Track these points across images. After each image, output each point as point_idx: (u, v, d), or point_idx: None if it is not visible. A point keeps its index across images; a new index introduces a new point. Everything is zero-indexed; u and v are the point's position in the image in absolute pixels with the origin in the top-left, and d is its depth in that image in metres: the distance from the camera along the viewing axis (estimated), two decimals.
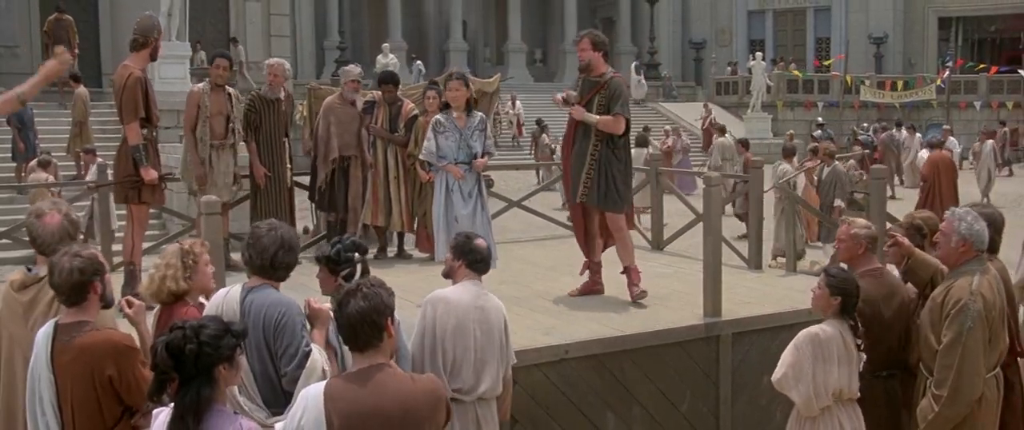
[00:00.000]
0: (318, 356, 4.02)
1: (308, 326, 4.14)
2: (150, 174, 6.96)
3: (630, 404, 6.34)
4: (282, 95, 8.74)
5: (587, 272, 7.42)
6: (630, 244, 7.35)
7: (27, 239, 9.20)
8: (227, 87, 8.40)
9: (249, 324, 3.91)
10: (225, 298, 4.11)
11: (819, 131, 25.88)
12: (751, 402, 6.78)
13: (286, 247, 4.11)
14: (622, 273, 7.31)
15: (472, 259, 4.62)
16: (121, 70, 7.06)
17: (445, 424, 3.37)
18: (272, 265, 4.11)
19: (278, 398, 4.01)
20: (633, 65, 37.68)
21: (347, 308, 3.23)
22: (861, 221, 5.48)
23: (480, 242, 4.69)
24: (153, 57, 7.14)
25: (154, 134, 7.22)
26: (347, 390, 3.20)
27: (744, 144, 16.98)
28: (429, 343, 4.43)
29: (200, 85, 8.47)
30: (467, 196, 7.24)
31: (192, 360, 3.12)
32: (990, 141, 21.08)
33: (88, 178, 13.50)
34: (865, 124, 29.64)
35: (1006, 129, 29.50)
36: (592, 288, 7.38)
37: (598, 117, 6.96)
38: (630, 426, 6.34)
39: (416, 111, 8.87)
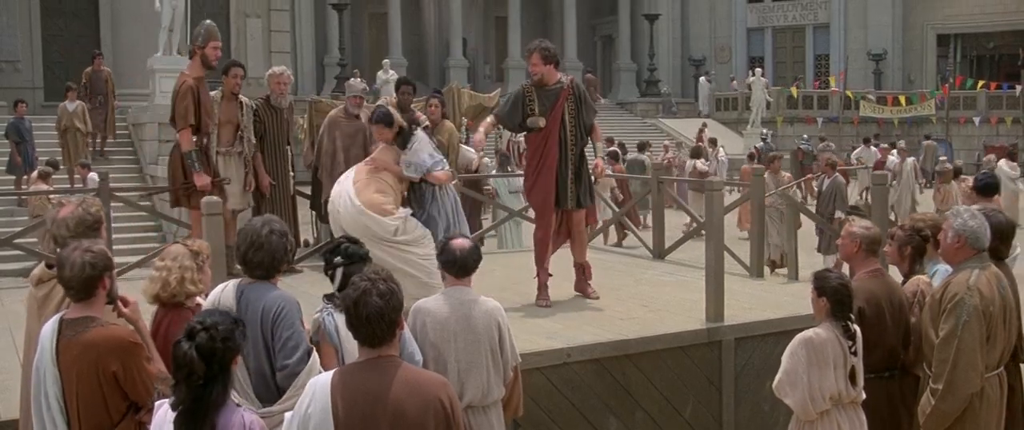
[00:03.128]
0: (316, 359, 4.00)
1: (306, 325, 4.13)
2: (202, 180, 7.05)
3: (633, 409, 6.31)
4: (286, 104, 8.78)
5: (540, 281, 7.51)
6: (586, 242, 7.83)
7: (27, 248, 9.18)
8: (239, 96, 8.41)
9: (245, 320, 3.90)
10: (221, 294, 4.09)
11: (762, 144, 26.20)
12: (754, 407, 6.76)
13: (255, 245, 4.03)
14: (575, 266, 7.64)
15: (443, 260, 4.57)
16: (178, 78, 7.26)
17: (457, 424, 3.29)
18: (244, 261, 4.09)
19: (272, 394, 3.97)
20: (703, 77, 37.53)
21: (365, 307, 3.19)
22: (862, 221, 5.47)
23: (455, 243, 4.58)
24: (206, 64, 7.21)
25: (205, 141, 7.25)
26: (354, 379, 3.18)
27: (614, 157, 17.12)
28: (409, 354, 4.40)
29: (211, 94, 8.49)
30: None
31: (219, 359, 3.17)
32: (910, 159, 20.11)
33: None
34: (805, 136, 30.01)
35: (931, 142, 29.52)
36: (547, 297, 7.45)
37: (600, 145, 7.75)
38: None
39: (426, 122, 8.86)
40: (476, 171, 15.83)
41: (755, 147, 24.70)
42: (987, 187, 7.88)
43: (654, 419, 6.38)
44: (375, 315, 3.17)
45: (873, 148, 26.38)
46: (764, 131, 30.76)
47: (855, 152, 26.62)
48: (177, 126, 7.17)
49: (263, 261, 4.04)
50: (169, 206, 8.19)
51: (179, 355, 3.17)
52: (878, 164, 21.06)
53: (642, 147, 18.70)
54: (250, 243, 4.04)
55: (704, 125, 29.64)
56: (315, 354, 4.00)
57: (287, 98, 8.81)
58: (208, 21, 7.81)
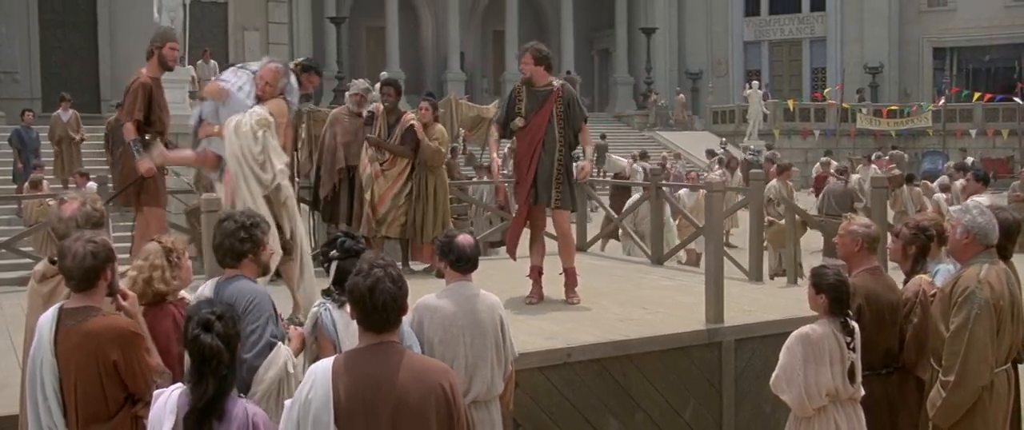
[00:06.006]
0: (285, 354, 3.99)
1: (281, 321, 4.15)
2: (144, 164, 6.96)
3: (633, 410, 6.29)
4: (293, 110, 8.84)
5: (535, 277, 7.63)
6: (573, 247, 7.84)
7: (25, 251, 9.14)
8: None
9: None
10: (204, 291, 4.12)
11: (722, 152, 26.37)
12: (755, 409, 6.74)
13: (223, 232, 4.11)
14: (561, 274, 7.60)
15: (453, 258, 4.56)
16: (134, 75, 7.21)
17: (458, 411, 3.27)
18: (215, 251, 4.15)
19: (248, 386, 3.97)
20: (756, 83, 36.63)
21: (381, 294, 3.18)
22: (861, 219, 5.47)
23: (461, 240, 4.60)
24: (164, 66, 7.21)
25: (163, 142, 7.22)
26: (355, 365, 3.16)
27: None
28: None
29: None
30: None
31: (233, 346, 3.26)
32: (855, 176, 18.24)
33: None
34: (751, 147, 30.44)
35: (898, 151, 29.39)
36: (541, 293, 7.58)
37: (590, 150, 7.74)
38: None
39: (413, 121, 8.87)
40: (628, 177, 15.91)
41: (720, 153, 24.84)
42: (982, 176, 8.14)
43: (654, 420, 6.36)
44: (390, 302, 3.18)
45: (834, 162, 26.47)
46: (723, 139, 30.91)
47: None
48: (123, 119, 7.19)
49: (221, 245, 4.11)
50: (121, 204, 7.97)
51: (205, 347, 3.19)
52: (820, 178, 20.78)
53: (643, 156, 18.77)
54: (214, 231, 4.15)
55: (746, 143, 29.45)
56: (279, 349, 3.97)
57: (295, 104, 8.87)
58: (165, 24, 7.88)
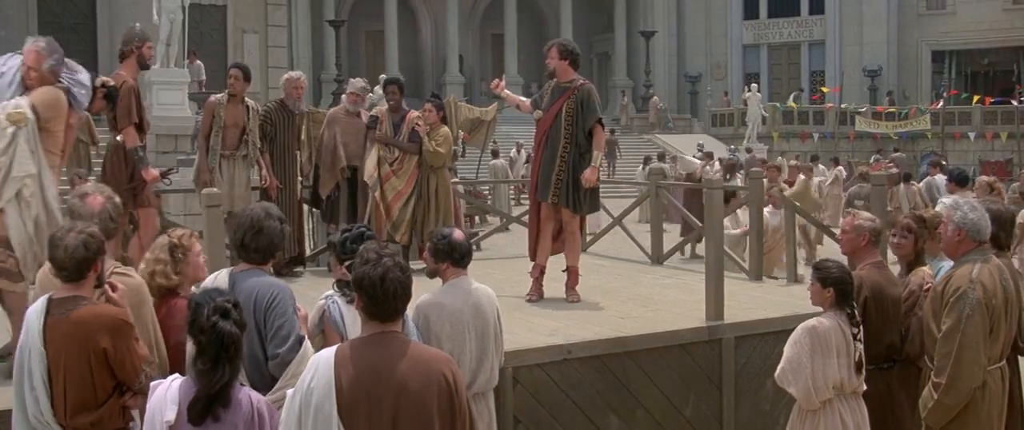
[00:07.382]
0: (309, 347, 4.00)
1: (300, 312, 4.14)
2: (151, 173, 6.96)
3: (634, 407, 6.29)
4: (299, 110, 8.87)
5: (536, 275, 7.59)
6: (578, 246, 7.71)
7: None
8: (246, 100, 8.42)
9: None
10: (214, 283, 4.10)
11: (699, 153, 26.50)
12: (755, 407, 6.75)
13: (255, 229, 4.07)
14: (564, 271, 7.56)
15: (456, 256, 4.60)
16: (115, 78, 7.11)
17: (460, 401, 3.26)
18: (242, 246, 4.12)
19: (265, 380, 3.97)
20: (755, 87, 36.11)
21: (392, 283, 3.19)
22: (865, 214, 5.50)
23: (457, 235, 4.64)
24: (142, 65, 7.18)
25: (143, 142, 7.22)
26: (358, 354, 3.15)
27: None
28: None
29: (218, 96, 8.56)
30: None
31: (242, 335, 3.32)
32: (816, 179, 17.64)
33: None
34: (732, 147, 30.58)
35: (900, 154, 29.35)
36: (540, 291, 7.55)
37: (598, 154, 7.39)
38: (633, 429, 6.29)
39: (418, 120, 8.87)
40: (699, 179, 15.79)
41: (699, 154, 24.93)
42: (961, 178, 8.26)
43: (655, 417, 6.36)
44: (399, 291, 3.20)
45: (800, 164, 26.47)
46: (700, 142, 31.09)
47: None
48: (120, 125, 6.96)
49: (261, 245, 4.09)
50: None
51: (225, 334, 3.26)
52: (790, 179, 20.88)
53: (661, 157, 18.95)
54: (249, 227, 4.08)
55: (797, 157, 29.16)
56: (307, 342, 3.99)
57: (301, 103, 8.91)
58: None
